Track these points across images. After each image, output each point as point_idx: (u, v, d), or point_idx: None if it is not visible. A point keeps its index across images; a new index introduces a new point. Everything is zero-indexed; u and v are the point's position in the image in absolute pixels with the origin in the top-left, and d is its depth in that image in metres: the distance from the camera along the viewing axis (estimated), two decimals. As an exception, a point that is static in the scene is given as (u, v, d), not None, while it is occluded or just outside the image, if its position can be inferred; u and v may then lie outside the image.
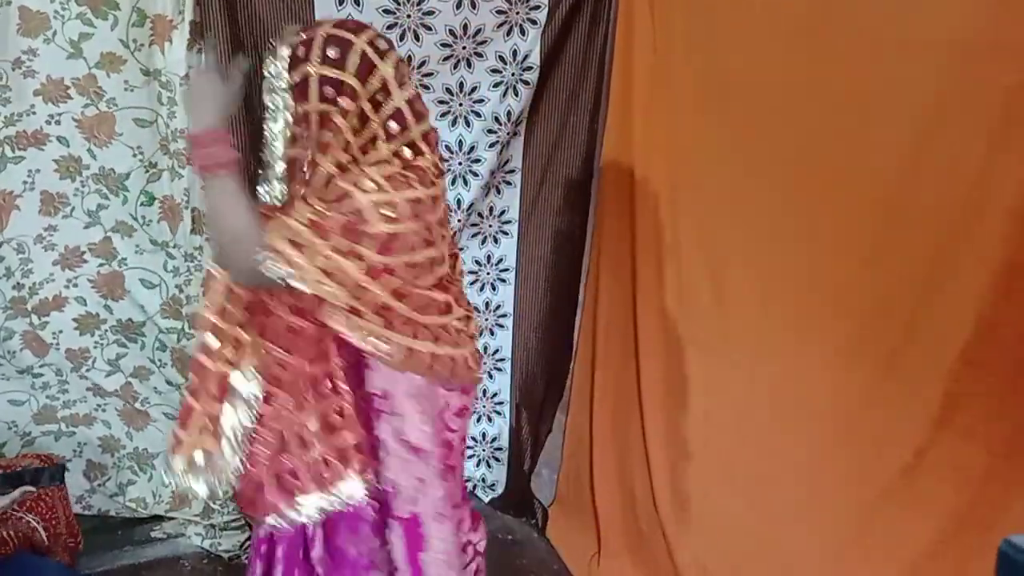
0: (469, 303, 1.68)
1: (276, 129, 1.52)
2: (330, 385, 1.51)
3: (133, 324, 2.52)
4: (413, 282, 1.47)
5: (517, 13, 2.41)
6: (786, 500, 2.08)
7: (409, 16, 2.33)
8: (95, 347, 2.53)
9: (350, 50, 1.44)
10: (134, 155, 2.33)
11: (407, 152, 1.49)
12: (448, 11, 2.34)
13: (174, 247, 2.42)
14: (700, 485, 2.37)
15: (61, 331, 2.48)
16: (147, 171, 2.36)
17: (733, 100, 2.13)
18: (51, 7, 2.12)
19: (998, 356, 1.60)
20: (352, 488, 1.51)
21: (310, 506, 1.52)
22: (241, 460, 1.53)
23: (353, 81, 1.44)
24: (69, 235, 2.38)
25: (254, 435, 1.54)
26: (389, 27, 2.31)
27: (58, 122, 2.25)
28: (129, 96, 2.25)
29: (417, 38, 2.36)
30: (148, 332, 2.55)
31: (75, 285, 2.44)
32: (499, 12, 2.39)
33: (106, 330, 2.52)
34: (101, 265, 2.44)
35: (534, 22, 2.43)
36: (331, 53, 1.44)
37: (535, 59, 2.47)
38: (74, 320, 2.48)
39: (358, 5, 2.27)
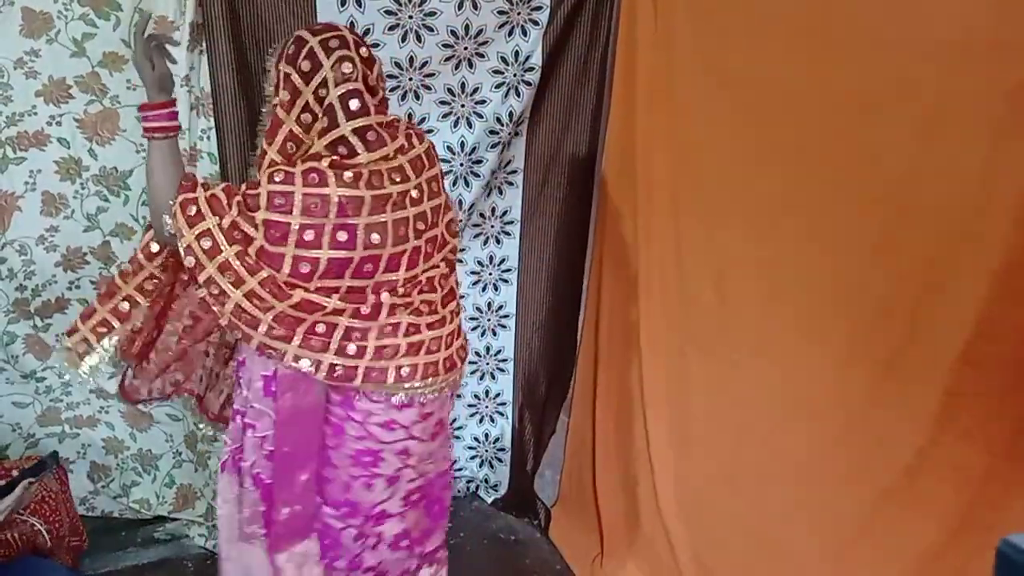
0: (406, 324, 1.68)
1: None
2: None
3: None
4: (298, 275, 1.54)
5: (519, 14, 2.41)
6: (788, 500, 2.08)
7: (411, 17, 2.33)
8: None
9: (303, 48, 1.57)
10: (137, 151, 2.33)
11: (342, 149, 1.56)
12: (450, 12, 2.34)
13: None
14: (703, 485, 2.36)
15: (64, 333, 2.48)
16: None
17: (735, 100, 2.13)
18: (54, 7, 2.13)
19: (999, 356, 1.59)
20: None
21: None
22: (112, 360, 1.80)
23: (296, 77, 1.56)
24: (70, 236, 2.38)
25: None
26: (391, 28, 2.32)
27: (59, 123, 2.25)
28: (132, 95, 2.25)
29: (419, 39, 2.36)
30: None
31: (78, 287, 2.44)
32: (500, 13, 2.39)
33: None
34: (102, 268, 2.44)
35: (536, 23, 2.43)
36: (290, 50, 1.57)
37: (537, 60, 2.47)
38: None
39: (360, 6, 2.27)
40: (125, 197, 2.39)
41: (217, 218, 1.53)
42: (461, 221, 2.61)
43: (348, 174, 1.54)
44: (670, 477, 2.46)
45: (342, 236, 1.54)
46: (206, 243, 1.52)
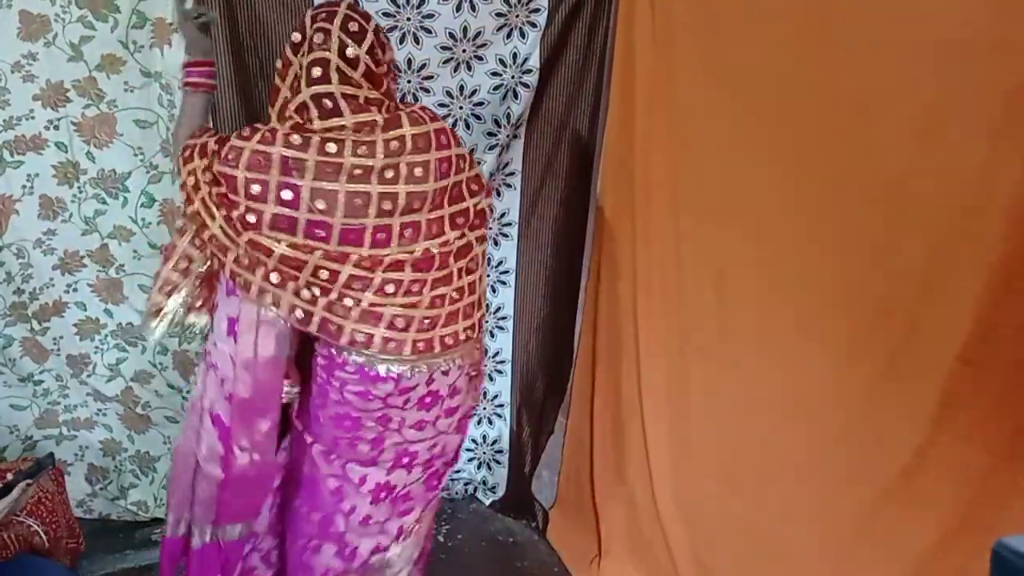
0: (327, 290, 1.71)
1: None
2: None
3: (134, 328, 2.52)
4: (246, 224, 1.65)
5: (517, 16, 2.41)
6: (787, 500, 2.08)
7: (409, 19, 2.33)
8: (95, 352, 2.54)
9: (302, 21, 1.70)
10: (135, 154, 2.33)
11: (304, 114, 1.65)
12: (448, 14, 2.34)
13: None
14: (701, 486, 2.36)
15: (62, 336, 2.49)
16: (148, 172, 2.36)
17: (734, 101, 2.13)
18: (52, 10, 2.13)
19: (997, 356, 1.60)
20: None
21: None
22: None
23: (288, 46, 1.70)
24: (68, 240, 2.38)
25: None
26: (389, 30, 2.32)
27: (56, 127, 2.25)
28: (129, 97, 2.26)
29: (417, 41, 2.36)
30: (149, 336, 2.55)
31: (75, 290, 2.44)
32: (499, 15, 2.39)
33: (106, 335, 2.53)
34: (99, 272, 2.44)
35: (534, 24, 2.43)
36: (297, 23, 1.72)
37: (535, 62, 2.47)
38: (74, 325, 2.49)
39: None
40: (123, 200, 2.38)
41: (203, 161, 1.68)
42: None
43: (296, 136, 1.62)
44: (668, 478, 2.45)
45: (286, 195, 1.61)
46: (190, 180, 1.69)
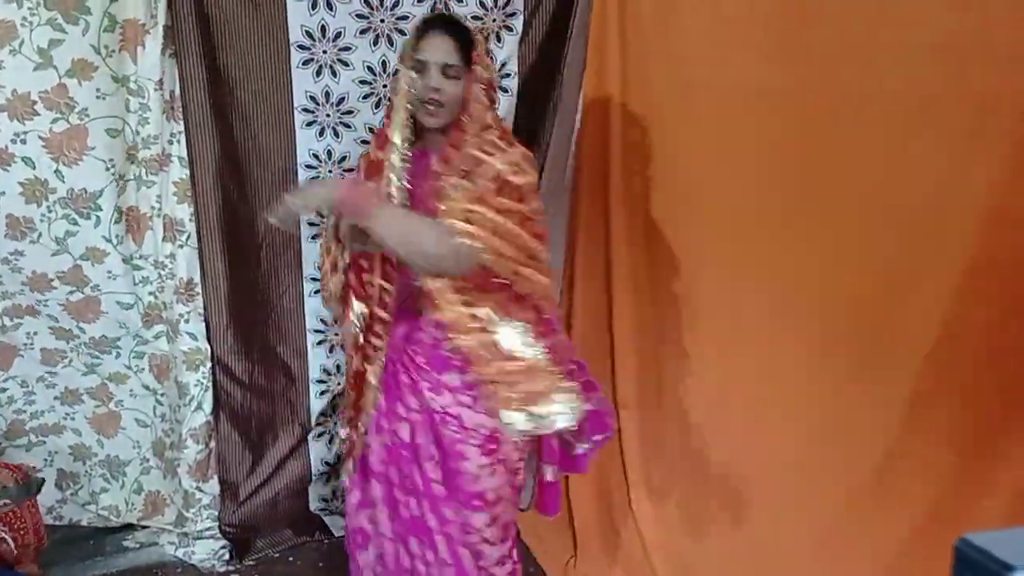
0: None
1: None
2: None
3: (107, 340, 2.48)
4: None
5: (493, 20, 2.41)
6: (762, 499, 2.11)
7: (383, 20, 2.33)
8: (72, 351, 2.49)
9: None
10: (107, 168, 2.25)
11: None
12: (422, 15, 2.33)
13: (140, 258, 2.37)
14: (675, 485, 2.39)
15: (36, 332, 2.43)
16: (118, 184, 2.29)
17: (705, 102, 2.15)
18: (18, 14, 2.04)
19: (964, 356, 1.62)
20: None
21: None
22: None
23: None
24: (36, 261, 2.28)
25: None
26: (363, 31, 2.32)
27: (24, 141, 2.15)
28: (101, 105, 2.18)
29: (391, 43, 2.35)
30: (124, 345, 2.51)
31: (45, 305, 2.37)
32: (475, 18, 2.39)
33: (79, 344, 2.48)
34: (71, 292, 2.36)
35: (510, 29, 2.43)
36: None
37: (513, 66, 2.47)
38: (49, 328, 2.44)
39: (331, 9, 2.27)
40: (96, 219, 2.29)
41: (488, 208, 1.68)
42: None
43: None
44: (643, 477, 2.47)
45: None
46: None
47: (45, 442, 2.59)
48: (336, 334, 2.59)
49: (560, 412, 1.72)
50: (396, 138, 1.72)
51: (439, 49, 1.69)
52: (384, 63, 2.37)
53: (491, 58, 1.74)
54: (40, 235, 2.26)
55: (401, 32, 2.35)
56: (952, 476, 1.66)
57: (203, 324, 2.43)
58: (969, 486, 1.63)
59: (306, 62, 2.31)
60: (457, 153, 1.66)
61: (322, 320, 2.59)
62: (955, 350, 1.63)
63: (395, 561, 1.94)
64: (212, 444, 2.54)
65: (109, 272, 2.37)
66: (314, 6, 2.26)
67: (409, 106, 1.72)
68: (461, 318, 1.69)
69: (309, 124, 2.38)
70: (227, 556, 2.58)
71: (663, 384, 2.39)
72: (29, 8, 2.05)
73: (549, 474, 1.99)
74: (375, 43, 2.34)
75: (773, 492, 2.08)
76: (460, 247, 1.59)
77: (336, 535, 2.69)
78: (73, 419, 2.60)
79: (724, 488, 2.21)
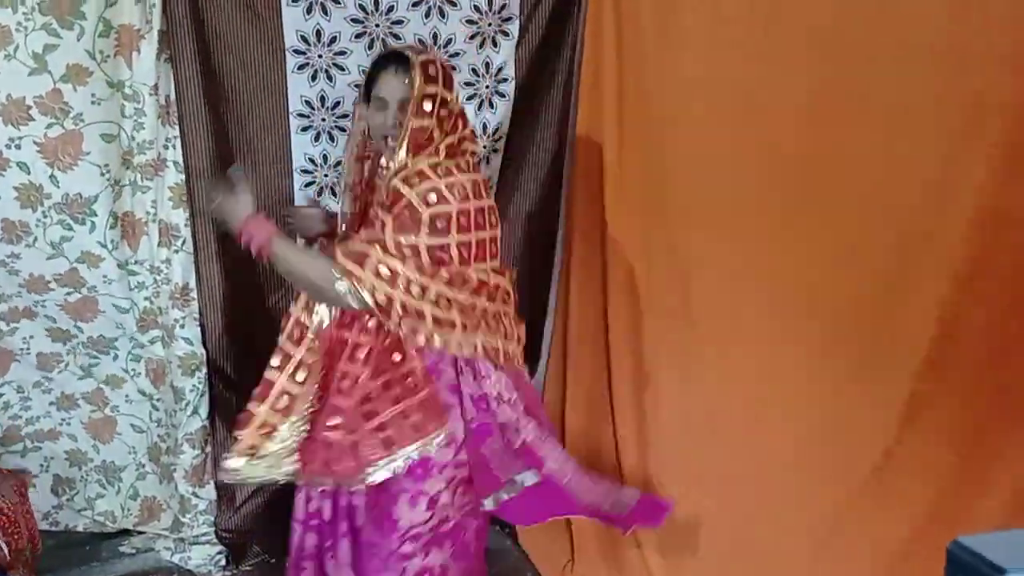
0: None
1: None
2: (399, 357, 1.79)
3: (105, 340, 2.48)
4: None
5: (489, 24, 2.41)
6: (759, 500, 2.11)
7: (378, 25, 2.33)
8: (68, 354, 2.48)
9: None
10: (102, 174, 2.23)
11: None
12: (417, 20, 2.34)
13: (135, 263, 2.35)
14: (674, 488, 2.38)
15: (32, 336, 2.43)
16: (114, 190, 2.27)
17: (701, 105, 2.16)
18: (13, 19, 2.02)
19: (961, 357, 1.63)
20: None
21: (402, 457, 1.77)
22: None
23: None
24: (33, 264, 2.27)
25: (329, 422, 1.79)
26: (357, 36, 2.31)
27: (18, 146, 2.13)
28: (96, 110, 2.17)
29: (386, 47, 2.35)
30: (121, 346, 2.50)
31: (43, 306, 2.37)
32: (469, 22, 2.39)
33: (77, 344, 2.48)
34: (69, 293, 2.35)
35: (506, 33, 2.43)
36: None
37: (510, 71, 2.47)
38: (46, 331, 2.43)
39: (326, 14, 2.27)
40: (91, 224, 2.28)
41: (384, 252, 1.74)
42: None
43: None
44: (640, 480, 2.47)
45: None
46: None
47: (41, 448, 2.58)
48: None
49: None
50: (346, 171, 1.91)
51: (396, 87, 1.75)
52: (379, 68, 2.37)
53: (449, 83, 1.78)
54: (36, 239, 2.25)
55: (396, 37, 2.35)
56: (951, 476, 1.67)
57: (199, 329, 2.42)
58: (968, 486, 1.64)
59: (301, 67, 2.31)
60: (383, 184, 1.76)
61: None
62: (954, 350, 1.64)
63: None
64: (208, 449, 2.53)
65: (105, 277, 2.35)
66: (309, 11, 2.26)
67: (371, 140, 1.84)
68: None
69: (305, 129, 2.38)
70: (223, 561, 2.57)
71: (660, 388, 2.39)
72: (24, 13, 2.04)
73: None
74: (370, 47, 2.34)
75: (773, 492, 2.07)
76: (339, 287, 1.68)
77: (333, 540, 2.68)
78: (69, 424, 2.59)
79: (723, 488, 2.21)
